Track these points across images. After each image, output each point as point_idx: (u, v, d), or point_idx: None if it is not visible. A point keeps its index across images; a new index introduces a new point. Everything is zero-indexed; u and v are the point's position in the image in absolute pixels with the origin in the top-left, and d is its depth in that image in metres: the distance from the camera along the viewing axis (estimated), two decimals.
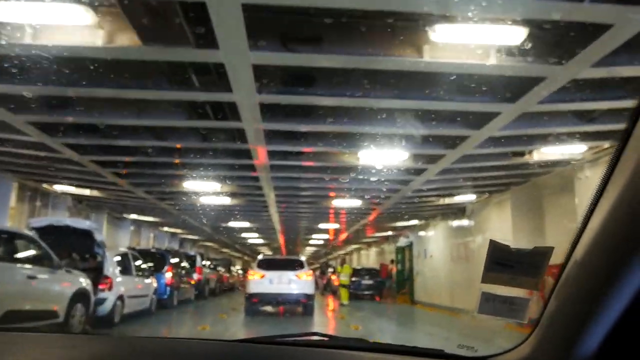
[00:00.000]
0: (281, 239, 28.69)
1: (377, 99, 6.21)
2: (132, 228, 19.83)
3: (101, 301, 10.03)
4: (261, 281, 13.21)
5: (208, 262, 23.19)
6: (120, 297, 10.71)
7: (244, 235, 26.31)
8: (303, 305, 13.36)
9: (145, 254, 15.34)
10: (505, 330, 3.43)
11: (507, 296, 1.11)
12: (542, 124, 7.16)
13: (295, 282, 13.23)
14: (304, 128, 7.82)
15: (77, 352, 1.31)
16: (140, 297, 12.09)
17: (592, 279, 0.86)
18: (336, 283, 23.37)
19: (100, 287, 10.19)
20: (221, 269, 27.07)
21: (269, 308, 14.41)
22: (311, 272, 14.52)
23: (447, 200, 13.29)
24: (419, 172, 10.66)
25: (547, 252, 1.07)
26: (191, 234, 26.47)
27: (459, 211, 14.26)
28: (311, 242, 29.03)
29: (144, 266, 12.97)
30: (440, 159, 9.43)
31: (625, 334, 0.82)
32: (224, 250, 40.44)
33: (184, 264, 18.17)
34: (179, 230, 24.75)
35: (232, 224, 20.68)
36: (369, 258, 30.94)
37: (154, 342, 1.59)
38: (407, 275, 21.82)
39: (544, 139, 7.97)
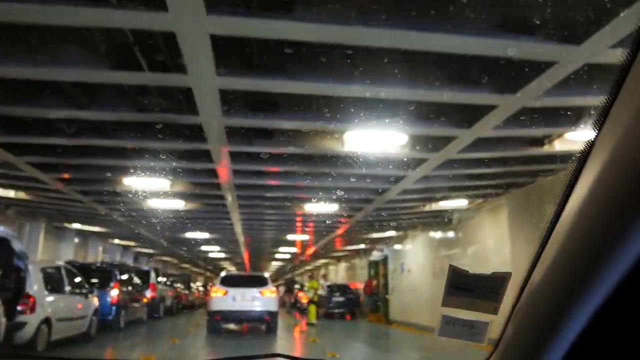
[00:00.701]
0: (245, 254, 27.47)
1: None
2: (76, 240, 17.67)
3: (20, 326, 8.14)
4: (224, 298, 13.00)
5: (164, 279, 21.14)
6: (47, 321, 8.81)
7: (205, 249, 24.36)
8: (266, 323, 13.15)
9: (86, 269, 13.42)
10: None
11: (467, 319, 1.10)
12: None
13: (259, 299, 13.09)
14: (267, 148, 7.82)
15: None
16: (76, 320, 10.17)
17: (549, 299, 0.84)
18: (304, 300, 21.80)
19: (20, 308, 8.33)
20: (179, 286, 25.04)
21: (232, 326, 14.01)
22: (275, 289, 14.49)
23: (431, 207, 11.89)
24: (395, 180, 9.62)
25: (505, 277, 1.07)
26: (146, 247, 24.33)
27: (444, 220, 12.90)
28: (277, 256, 27.27)
29: (83, 283, 11.05)
30: (420, 164, 8.38)
31: (583, 354, 0.80)
32: (184, 265, 38.12)
33: (135, 280, 16.20)
34: (132, 243, 22.61)
35: (192, 236, 18.84)
36: (338, 274, 29.38)
37: None
38: (380, 292, 20.37)
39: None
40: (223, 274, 15.40)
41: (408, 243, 16.64)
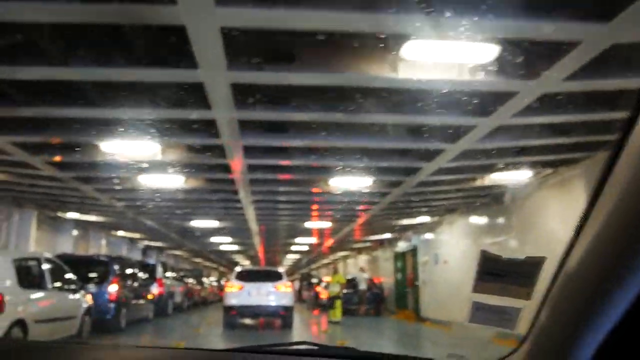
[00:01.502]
0: (259, 247, 26.12)
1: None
2: (75, 232, 16.09)
3: None
4: (239, 293, 13.03)
5: (173, 274, 19.52)
6: (20, 323, 7.16)
7: (217, 241, 22.73)
8: (282, 318, 13.16)
9: (80, 262, 11.79)
10: None
11: (498, 306, 1.09)
12: None
13: (274, 294, 13.06)
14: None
15: None
16: (61, 321, 8.51)
17: (585, 288, 0.83)
18: (322, 296, 20.13)
19: None
20: (191, 281, 23.47)
21: (247, 320, 14.07)
22: (290, 283, 14.52)
23: (476, 183, 10.01)
24: (430, 156, 8.18)
25: (540, 261, 1.05)
26: (155, 240, 22.77)
27: (493, 200, 11.04)
28: (293, 248, 25.47)
29: (71, 278, 9.41)
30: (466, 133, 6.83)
31: (619, 344, 0.79)
32: (197, 260, 36.67)
33: (140, 274, 14.58)
34: (139, 236, 21.04)
35: (203, 228, 17.23)
36: (357, 268, 27.47)
37: (153, 353, 1.56)
38: (407, 286, 18.57)
39: None
40: (238, 268, 15.18)
41: (444, 230, 14.79)
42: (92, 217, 15.29)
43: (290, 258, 35.24)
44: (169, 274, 18.63)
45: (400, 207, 13.49)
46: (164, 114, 6.39)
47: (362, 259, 27.07)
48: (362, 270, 19.85)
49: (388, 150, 8.46)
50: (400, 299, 19.12)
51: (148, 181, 10.51)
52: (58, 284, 8.72)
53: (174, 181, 10.52)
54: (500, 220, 11.17)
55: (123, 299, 12.11)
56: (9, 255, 7.57)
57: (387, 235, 19.56)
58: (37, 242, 13.55)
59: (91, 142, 7.94)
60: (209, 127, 6.79)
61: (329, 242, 22.24)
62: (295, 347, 1.61)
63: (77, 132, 7.26)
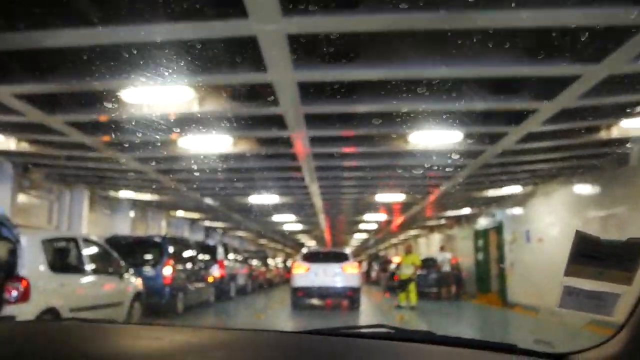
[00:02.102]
0: (325, 227, 24.73)
1: None
2: (132, 213, 15.39)
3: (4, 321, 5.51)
4: (306, 274, 13.03)
5: (235, 255, 18.59)
6: (51, 311, 6.15)
7: (280, 220, 21.64)
8: (349, 299, 13.10)
9: (131, 243, 10.97)
10: None
11: (593, 291, 1.03)
12: None
13: (341, 275, 12.98)
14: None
15: (162, 343, 1.30)
16: (103, 308, 7.50)
17: None
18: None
19: (6, 295, 5.75)
20: (254, 263, 22.59)
21: (315, 301, 14.14)
22: (357, 264, 14.44)
23: (587, 139, 8.01)
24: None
25: None
26: (218, 221, 22.02)
27: (613, 161, 8.98)
28: (360, 227, 23.85)
29: (117, 260, 8.42)
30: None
31: None
32: (261, 241, 36.09)
33: (199, 256, 13.66)
34: (201, 216, 20.26)
35: (266, 203, 16.10)
36: (431, 247, 25.57)
37: (225, 334, 1.58)
38: (490, 267, 16.61)
39: None
40: (304, 250, 15.30)
41: (538, 202, 12.74)
42: (149, 197, 14.46)
43: (357, 238, 33.84)
44: (231, 255, 17.73)
45: (482, 178, 11.69)
46: (236, 108, 6.62)
47: (436, 238, 25.18)
48: (442, 249, 17.99)
49: (468, 113, 6.89)
50: (481, 281, 17.19)
51: (209, 160, 9.59)
52: (100, 268, 7.73)
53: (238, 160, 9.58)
54: (620, 185, 9.07)
55: (179, 282, 11.16)
56: (38, 236, 6.55)
57: (466, 211, 17.60)
58: (93, 224, 12.88)
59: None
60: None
61: (399, 219, 20.60)
62: (371, 330, 1.54)
63: None
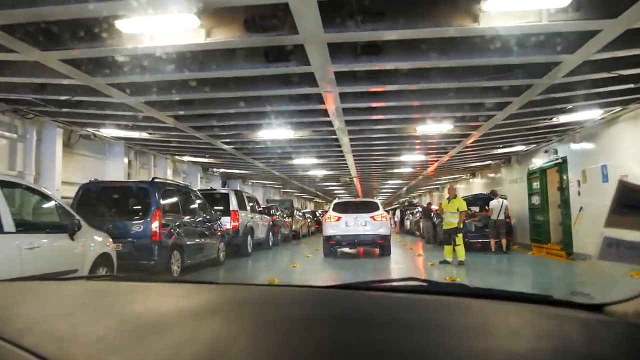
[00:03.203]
0: (357, 178, 23.45)
1: None
2: (127, 157, 13.35)
3: None
4: (337, 224, 13.43)
5: (254, 205, 16.43)
6: None
7: (304, 164, 19.46)
8: (380, 246, 13.63)
9: (111, 190, 8.99)
10: None
11: (635, 241, 0.98)
12: None
13: (371, 224, 13.32)
14: None
15: (190, 301, 1.32)
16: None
17: None
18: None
19: None
20: (278, 213, 20.58)
21: (346, 249, 14.87)
22: (386, 214, 14.85)
23: None
24: None
25: None
26: (235, 168, 19.94)
27: None
28: (394, 171, 21.27)
29: (72, 215, 6.32)
30: None
31: None
32: (288, 191, 34.23)
33: (205, 206, 11.55)
34: (213, 161, 18.17)
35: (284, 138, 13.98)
36: (472, 192, 22.96)
37: (253, 290, 1.60)
38: (548, 213, 14.09)
39: None
40: (336, 200, 15.03)
41: (624, 129, 10.03)
42: (147, 136, 12.30)
43: (391, 184, 31.44)
44: (249, 206, 15.65)
45: (542, 105, 9.09)
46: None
47: (477, 182, 22.57)
48: (493, 194, 15.27)
49: None
50: (537, 230, 14.70)
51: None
52: (37, 225, 5.65)
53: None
54: None
55: (174, 238, 9.13)
56: None
57: (517, 148, 14.93)
58: (74, 170, 10.89)
59: None
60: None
61: (435, 162, 18.16)
62: (403, 283, 1.55)
63: None
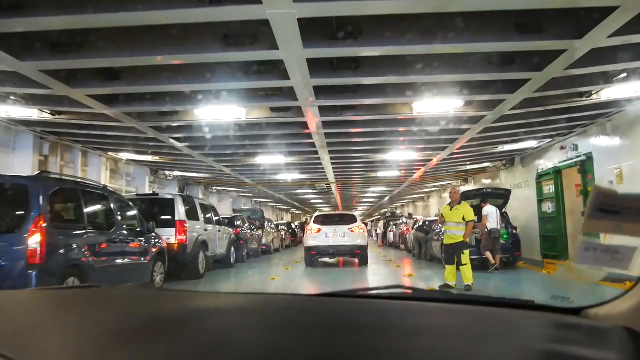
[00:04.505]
0: (337, 191, 22.51)
1: None
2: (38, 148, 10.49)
3: None
4: (318, 235, 14.10)
5: (212, 214, 13.63)
6: None
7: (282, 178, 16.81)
8: (357, 256, 14.23)
9: None
10: None
11: (609, 245, 1.01)
12: None
13: (349, 235, 13.99)
14: None
15: (170, 308, 1.30)
16: None
17: None
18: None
19: None
20: (245, 225, 17.86)
21: (327, 259, 15.36)
22: (364, 226, 15.61)
23: None
24: None
25: None
26: (195, 171, 17.17)
27: None
28: (378, 174, 18.42)
29: None
30: None
31: None
32: (262, 200, 31.55)
33: (129, 214, 8.80)
34: (163, 161, 15.37)
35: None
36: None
37: (237, 298, 1.61)
38: (565, 222, 11.65)
39: None
40: (317, 213, 16.21)
41: None
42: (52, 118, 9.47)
43: (372, 193, 28.92)
44: (206, 215, 12.89)
45: (557, 88, 6.72)
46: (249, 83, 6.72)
47: (470, 189, 20.13)
48: (485, 202, 12.64)
49: None
50: (550, 244, 12.25)
51: None
52: None
53: None
54: None
55: (68, 258, 6.37)
56: None
57: (523, 145, 12.49)
58: None
59: None
60: None
61: (422, 169, 15.78)
62: (389, 291, 1.56)
63: None
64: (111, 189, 8.17)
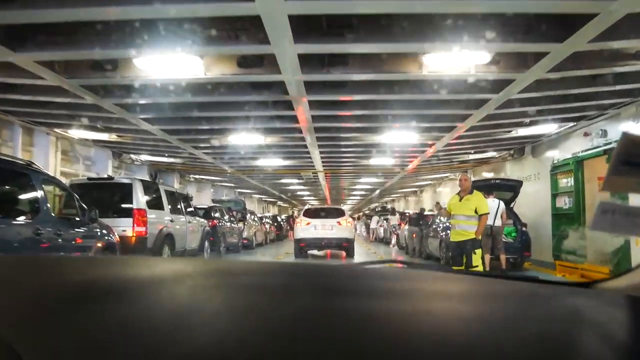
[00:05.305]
0: (326, 185, 22.52)
1: None
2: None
3: None
4: (307, 228, 14.57)
5: (181, 203, 11.94)
6: None
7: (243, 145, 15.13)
8: (344, 248, 14.76)
9: None
10: None
11: (633, 207, 0.83)
12: None
13: (337, 228, 14.42)
14: None
15: (152, 271, 1.18)
16: None
17: None
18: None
19: None
20: (225, 217, 16.33)
21: (315, 252, 16.00)
22: (351, 220, 16.30)
23: None
24: None
25: None
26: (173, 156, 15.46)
27: None
28: (371, 162, 16.70)
29: None
30: None
31: None
32: (245, 191, 29.91)
33: (71, 202, 7.13)
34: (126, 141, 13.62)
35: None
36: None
37: (226, 262, 1.49)
38: (584, 219, 10.14)
39: None
40: (306, 207, 16.72)
41: None
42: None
43: (362, 186, 27.37)
44: (174, 204, 11.21)
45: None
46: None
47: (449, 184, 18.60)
48: (490, 194, 10.90)
49: None
50: (565, 244, 10.74)
51: None
52: None
53: None
54: None
55: None
56: None
57: (537, 130, 10.93)
58: None
59: None
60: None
61: (418, 158, 14.31)
62: (382, 265, 1.57)
63: None
64: (37, 168, 6.45)
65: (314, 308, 0.80)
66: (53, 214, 6.58)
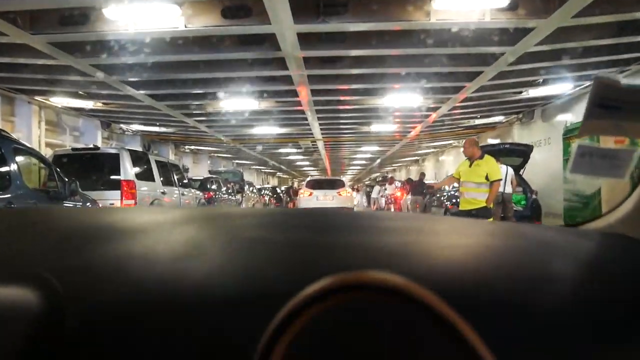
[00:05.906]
0: (326, 156, 22.39)
1: None
2: None
3: None
4: (310, 198, 15.27)
5: (165, 173, 11.36)
6: None
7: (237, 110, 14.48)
8: None
9: None
10: None
11: (608, 149, 0.85)
12: None
13: (337, 198, 15.17)
14: None
15: (160, 216, 1.19)
16: None
17: None
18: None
19: None
20: (222, 189, 15.90)
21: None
22: (350, 190, 17.35)
23: None
24: None
25: None
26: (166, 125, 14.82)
27: None
28: (372, 129, 16.05)
29: None
30: None
31: None
32: (243, 162, 29.35)
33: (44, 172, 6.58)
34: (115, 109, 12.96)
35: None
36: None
37: (240, 210, 1.64)
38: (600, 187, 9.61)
39: None
40: (308, 178, 17.87)
41: None
42: None
43: (363, 154, 26.80)
44: (166, 175, 10.65)
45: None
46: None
47: (452, 152, 18.01)
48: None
49: None
50: (579, 211, 10.23)
51: None
52: None
53: None
54: None
55: None
56: None
57: (550, 90, 10.28)
58: None
59: None
60: None
61: (420, 125, 13.69)
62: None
63: None
64: (7, 135, 5.87)
65: (310, 241, 0.82)
66: (28, 186, 6.03)
